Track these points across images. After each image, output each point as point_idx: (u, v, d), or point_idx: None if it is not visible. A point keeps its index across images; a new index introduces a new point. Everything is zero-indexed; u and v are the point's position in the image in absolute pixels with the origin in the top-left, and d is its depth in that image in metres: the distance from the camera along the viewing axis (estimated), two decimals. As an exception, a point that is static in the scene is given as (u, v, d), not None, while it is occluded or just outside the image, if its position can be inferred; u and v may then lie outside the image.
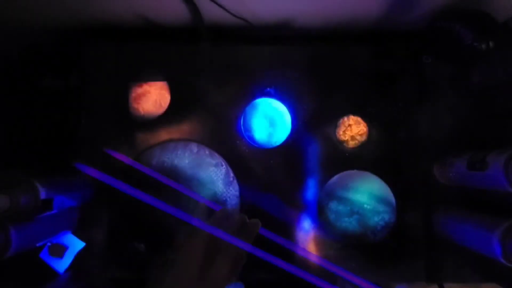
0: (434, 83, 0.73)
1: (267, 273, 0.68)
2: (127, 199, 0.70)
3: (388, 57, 0.75)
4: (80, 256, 0.66)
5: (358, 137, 0.72)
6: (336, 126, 0.73)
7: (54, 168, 0.68)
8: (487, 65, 0.70)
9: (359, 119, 0.72)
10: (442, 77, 0.73)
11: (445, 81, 0.73)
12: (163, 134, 0.73)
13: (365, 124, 0.72)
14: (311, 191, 0.72)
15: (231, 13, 0.69)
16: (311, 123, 0.74)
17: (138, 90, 0.72)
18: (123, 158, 0.65)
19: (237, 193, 0.71)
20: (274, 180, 0.73)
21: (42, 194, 0.54)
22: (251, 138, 0.72)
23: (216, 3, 0.66)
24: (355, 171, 0.72)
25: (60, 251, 0.65)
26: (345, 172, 0.72)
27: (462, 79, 0.73)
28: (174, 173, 0.70)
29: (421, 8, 0.67)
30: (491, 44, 0.57)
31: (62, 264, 0.65)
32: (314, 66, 0.74)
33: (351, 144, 0.72)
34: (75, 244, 0.66)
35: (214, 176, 0.71)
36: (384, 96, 0.74)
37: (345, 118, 0.73)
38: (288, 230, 0.71)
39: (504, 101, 0.72)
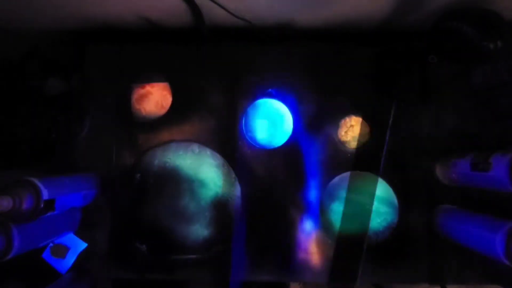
0: (437, 83, 0.73)
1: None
2: (128, 201, 0.71)
3: (391, 57, 0.74)
4: (82, 256, 0.67)
5: (360, 138, 0.72)
6: (338, 126, 0.72)
7: (56, 169, 0.68)
8: (491, 65, 0.70)
9: (361, 119, 0.72)
10: (446, 77, 0.73)
11: (449, 81, 0.73)
12: (165, 135, 0.73)
13: (367, 125, 0.72)
14: (313, 192, 0.72)
15: (232, 14, 0.69)
16: (313, 123, 0.73)
17: (140, 91, 0.72)
18: None
19: (239, 193, 0.71)
20: (276, 181, 0.72)
21: (44, 194, 0.54)
22: (253, 139, 0.72)
23: (217, 4, 0.66)
24: (357, 172, 0.71)
25: (62, 251, 0.65)
26: (347, 173, 0.71)
27: (465, 79, 0.72)
28: (175, 173, 0.71)
29: (426, 8, 0.67)
30: (499, 43, 0.56)
31: (65, 265, 0.65)
32: (316, 67, 0.74)
33: (353, 144, 0.72)
34: (77, 245, 0.66)
35: (216, 176, 0.71)
36: (386, 96, 0.74)
37: (347, 119, 0.72)
38: (290, 228, 0.71)
39: (507, 101, 0.71)
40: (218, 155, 0.72)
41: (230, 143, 0.73)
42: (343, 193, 0.71)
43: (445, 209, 0.70)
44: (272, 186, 0.72)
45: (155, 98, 0.72)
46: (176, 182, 0.70)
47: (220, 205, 0.70)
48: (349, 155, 0.73)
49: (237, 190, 0.71)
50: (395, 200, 0.70)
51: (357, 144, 0.72)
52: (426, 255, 0.69)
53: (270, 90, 0.73)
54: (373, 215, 0.70)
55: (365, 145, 0.72)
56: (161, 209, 0.70)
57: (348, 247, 0.71)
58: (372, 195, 0.70)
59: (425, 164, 0.72)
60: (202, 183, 0.71)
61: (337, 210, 0.70)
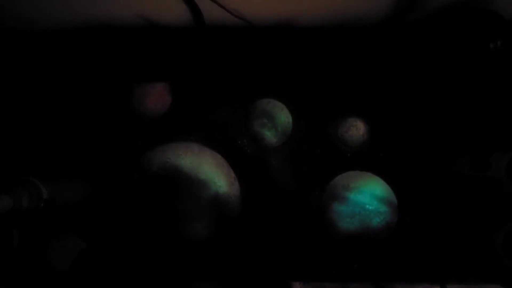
0: (438, 82, 0.73)
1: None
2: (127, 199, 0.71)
3: (390, 57, 0.74)
4: (81, 255, 0.67)
5: (360, 137, 0.72)
6: (338, 126, 0.72)
7: (56, 168, 0.69)
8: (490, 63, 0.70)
9: (361, 119, 0.72)
10: (446, 77, 0.73)
11: (449, 80, 0.73)
12: (165, 135, 0.73)
13: (367, 124, 0.72)
14: (313, 191, 0.72)
15: (232, 14, 0.69)
16: (313, 123, 0.73)
17: (140, 91, 0.73)
18: None
19: (239, 193, 0.71)
20: (276, 180, 0.72)
21: (44, 194, 0.55)
22: (253, 138, 0.72)
23: (218, 4, 0.66)
24: (357, 171, 0.71)
25: (62, 250, 0.65)
26: (347, 173, 0.71)
27: (464, 78, 0.72)
28: (175, 173, 0.70)
29: (427, 6, 0.67)
30: (499, 43, 0.57)
31: (64, 264, 0.65)
32: (316, 65, 0.74)
33: (353, 144, 0.72)
34: (77, 244, 0.67)
35: (216, 176, 0.71)
36: (386, 96, 0.74)
37: (348, 118, 0.72)
38: (290, 228, 0.71)
39: (508, 102, 0.71)
40: (218, 155, 0.72)
41: (230, 143, 0.73)
42: (343, 193, 0.71)
43: (445, 209, 0.70)
44: (272, 186, 0.72)
45: (154, 98, 0.72)
46: (176, 182, 0.70)
47: (220, 205, 0.71)
48: (349, 155, 0.73)
49: (237, 190, 0.71)
50: (395, 200, 0.70)
51: (357, 143, 0.72)
52: (426, 255, 0.69)
53: (270, 89, 0.73)
54: (373, 215, 0.70)
55: (365, 145, 0.72)
56: (160, 209, 0.70)
57: (348, 247, 0.71)
58: (372, 195, 0.70)
59: (425, 163, 0.72)
60: (202, 183, 0.71)
61: (337, 210, 0.70)
